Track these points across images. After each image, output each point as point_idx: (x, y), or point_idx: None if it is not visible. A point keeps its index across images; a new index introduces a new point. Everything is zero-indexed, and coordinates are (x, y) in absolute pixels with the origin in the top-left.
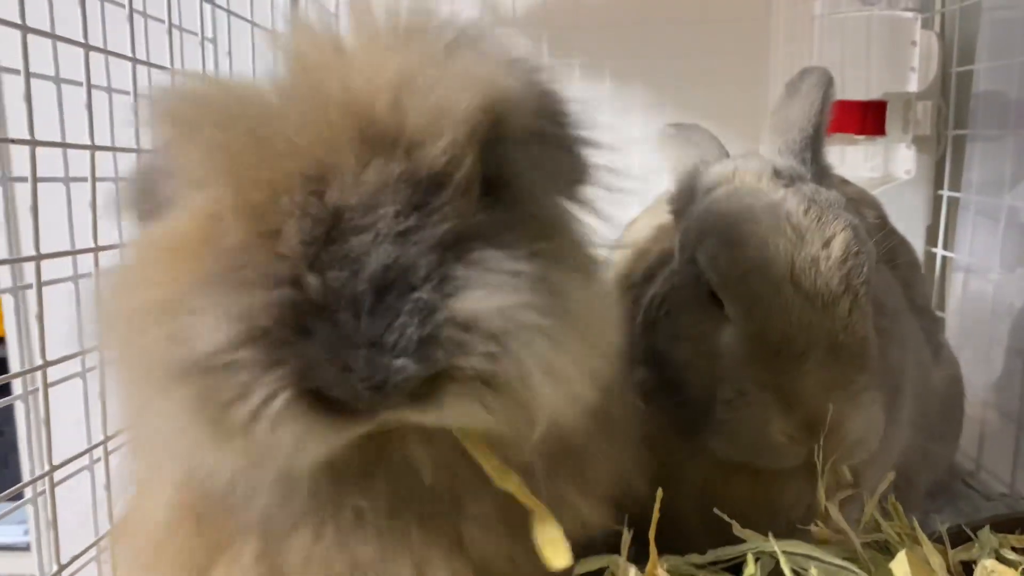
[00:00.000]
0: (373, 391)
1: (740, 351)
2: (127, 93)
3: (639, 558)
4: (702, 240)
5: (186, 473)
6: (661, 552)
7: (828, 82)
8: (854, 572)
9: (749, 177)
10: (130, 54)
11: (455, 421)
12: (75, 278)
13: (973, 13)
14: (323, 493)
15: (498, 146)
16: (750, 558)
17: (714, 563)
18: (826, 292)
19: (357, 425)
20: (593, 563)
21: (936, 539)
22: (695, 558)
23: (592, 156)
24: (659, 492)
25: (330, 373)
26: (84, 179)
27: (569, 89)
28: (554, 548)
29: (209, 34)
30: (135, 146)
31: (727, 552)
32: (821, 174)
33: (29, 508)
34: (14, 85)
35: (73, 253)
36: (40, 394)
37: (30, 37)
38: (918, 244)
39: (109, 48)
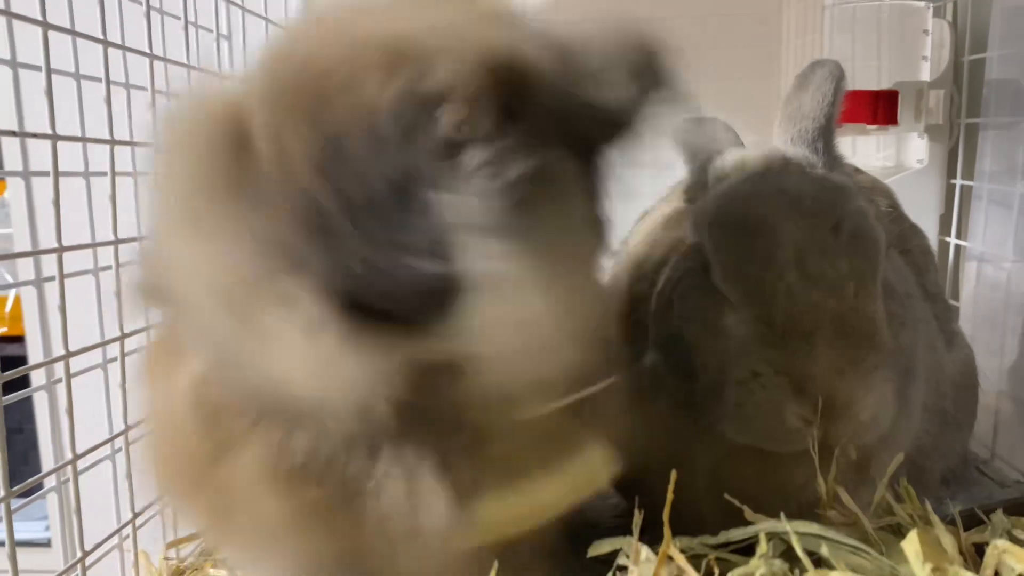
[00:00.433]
0: (396, 290)
1: (750, 335)
2: (145, 88)
3: (651, 540)
4: (709, 225)
5: (209, 368)
6: (673, 534)
7: (840, 75)
8: (866, 552)
9: (759, 164)
10: (147, 50)
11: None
12: (95, 271)
13: (984, 1)
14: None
15: (516, 94)
16: (763, 538)
17: (726, 544)
18: (832, 274)
19: (394, 340)
20: (605, 545)
21: (949, 522)
22: (707, 539)
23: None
24: (673, 474)
25: (359, 276)
26: (104, 173)
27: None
28: (597, 471)
29: (224, 30)
30: (153, 141)
31: (739, 533)
32: (833, 164)
33: (50, 504)
34: (34, 81)
35: (94, 246)
36: (63, 384)
37: (50, 34)
38: (931, 233)
39: (127, 44)
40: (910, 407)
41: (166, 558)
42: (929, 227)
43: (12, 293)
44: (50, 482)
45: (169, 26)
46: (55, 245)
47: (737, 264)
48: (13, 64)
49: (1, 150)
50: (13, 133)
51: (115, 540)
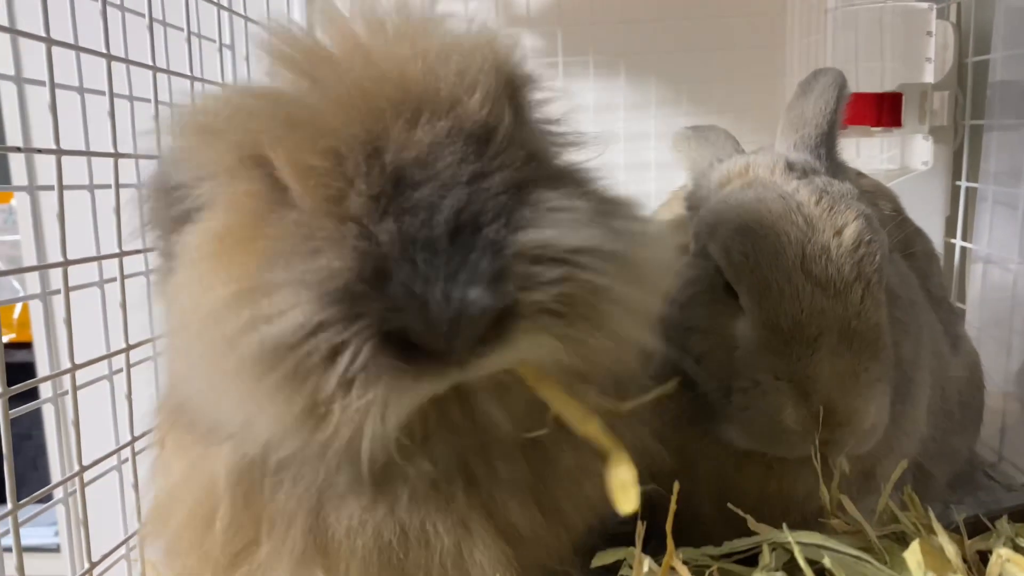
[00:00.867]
0: (450, 324)
1: (755, 341)
2: (148, 101)
3: (655, 551)
4: (714, 231)
5: (238, 451)
6: (676, 543)
7: (842, 83)
8: (869, 562)
9: (762, 170)
10: (150, 63)
11: (527, 355)
12: (101, 283)
13: (988, 2)
14: (390, 456)
15: (517, 108)
16: (765, 549)
17: (729, 555)
18: (838, 279)
19: (437, 376)
20: (609, 556)
21: (953, 529)
22: (711, 550)
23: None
24: (675, 485)
25: (411, 311)
26: (108, 186)
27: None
28: (625, 492)
29: (227, 41)
30: (157, 153)
31: (742, 544)
32: (835, 169)
33: (59, 510)
34: (39, 96)
35: (99, 259)
36: (69, 396)
37: (53, 49)
38: (937, 235)
39: (130, 57)
40: (916, 413)
41: None
42: (934, 229)
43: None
44: (58, 492)
45: (172, 37)
46: (60, 259)
47: (746, 268)
48: (18, 80)
49: (7, 163)
50: (18, 149)
51: (122, 551)
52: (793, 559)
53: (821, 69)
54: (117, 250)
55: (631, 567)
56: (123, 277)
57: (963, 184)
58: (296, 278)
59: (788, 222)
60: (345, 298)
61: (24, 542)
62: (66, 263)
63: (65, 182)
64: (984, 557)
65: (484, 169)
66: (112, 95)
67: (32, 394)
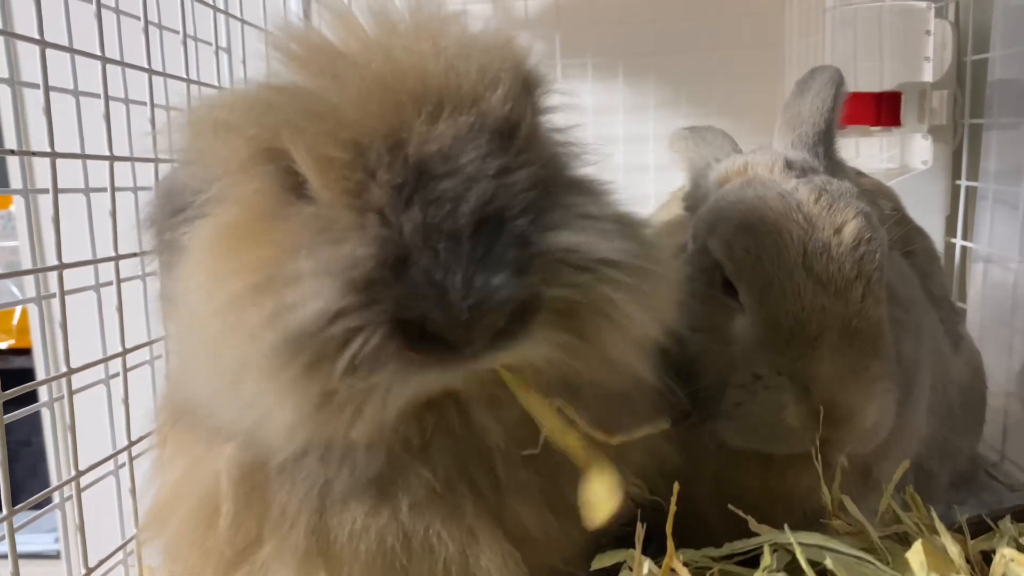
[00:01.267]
0: (471, 311)
1: (755, 337)
2: (144, 104)
3: (656, 553)
4: (715, 228)
5: (243, 450)
6: (677, 544)
7: (840, 81)
8: (871, 563)
9: (761, 169)
10: (146, 65)
11: (541, 353)
12: (97, 287)
13: (986, 1)
14: (388, 460)
15: (534, 109)
16: (767, 550)
17: (730, 556)
18: (839, 278)
19: (447, 365)
20: (609, 558)
21: (956, 529)
22: (711, 551)
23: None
24: (675, 486)
25: (429, 298)
26: (104, 189)
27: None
28: (596, 508)
29: (223, 43)
30: (153, 156)
31: (743, 545)
32: (834, 168)
33: (58, 515)
34: (34, 99)
35: (95, 262)
36: (65, 401)
37: (48, 51)
38: (937, 234)
39: (125, 60)
40: (916, 413)
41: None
42: (934, 228)
43: (19, 306)
44: (56, 497)
45: (167, 40)
46: (56, 262)
47: (747, 264)
48: (12, 83)
49: (6, 167)
50: (12, 152)
51: (120, 556)
52: (795, 560)
53: (818, 67)
54: (113, 253)
55: (631, 569)
56: (119, 280)
57: (963, 183)
58: (320, 267)
59: (789, 220)
60: (365, 285)
61: (24, 548)
62: (61, 266)
63: (61, 185)
64: (987, 557)
65: (510, 164)
66: (107, 98)
67: (31, 399)
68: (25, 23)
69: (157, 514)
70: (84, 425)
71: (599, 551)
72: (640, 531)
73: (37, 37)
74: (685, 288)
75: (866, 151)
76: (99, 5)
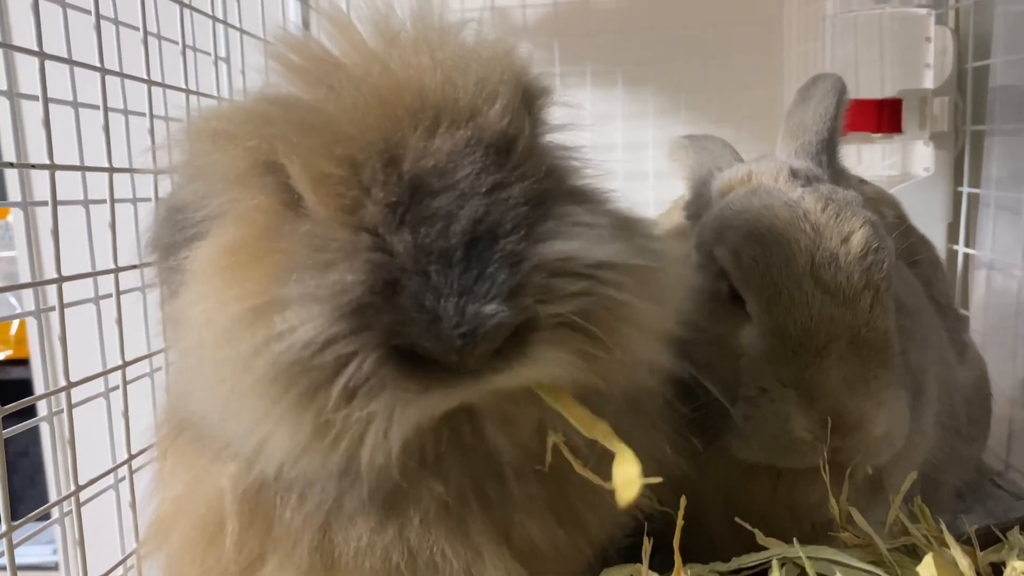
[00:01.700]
0: (464, 340)
1: (762, 348)
2: (143, 115)
3: (663, 566)
4: (721, 237)
5: (247, 467)
6: (684, 558)
7: (842, 88)
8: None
9: (766, 178)
10: (145, 76)
11: (544, 374)
12: (96, 299)
13: (987, 7)
14: (403, 474)
15: (534, 121)
16: (775, 564)
17: (738, 570)
18: (847, 287)
19: (447, 389)
20: (616, 572)
21: (965, 541)
22: (719, 566)
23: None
24: (683, 500)
25: (420, 325)
26: (103, 201)
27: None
28: (628, 488)
29: (222, 53)
30: (152, 167)
31: (751, 559)
32: (837, 176)
33: (57, 529)
34: (33, 111)
35: (94, 275)
36: (65, 415)
37: (47, 63)
38: (939, 241)
39: (124, 71)
40: (922, 422)
41: None
42: (937, 235)
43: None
44: (55, 512)
45: (166, 51)
46: (55, 275)
47: (755, 273)
48: (10, 95)
49: (4, 179)
50: (11, 165)
51: (120, 571)
52: (803, 573)
53: (820, 75)
54: (112, 266)
55: None
56: (119, 293)
57: (965, 190)
58: (308, 293)
59: (796, 229)
60: (355, 311)
61: (23, 560)
62: (60, 279)
63: (60, 197)
64: (997, 569)
65: (504, 180)
66: (106, 109)
67: (28, 412)
68: (23, 35)
69: (158, 529)
70: (84, 438)
71: (606, 565)
72: (647, 545)
73: (36, 49)
74: (688, 300)
75: (868, 158)
76: (98, 16)
